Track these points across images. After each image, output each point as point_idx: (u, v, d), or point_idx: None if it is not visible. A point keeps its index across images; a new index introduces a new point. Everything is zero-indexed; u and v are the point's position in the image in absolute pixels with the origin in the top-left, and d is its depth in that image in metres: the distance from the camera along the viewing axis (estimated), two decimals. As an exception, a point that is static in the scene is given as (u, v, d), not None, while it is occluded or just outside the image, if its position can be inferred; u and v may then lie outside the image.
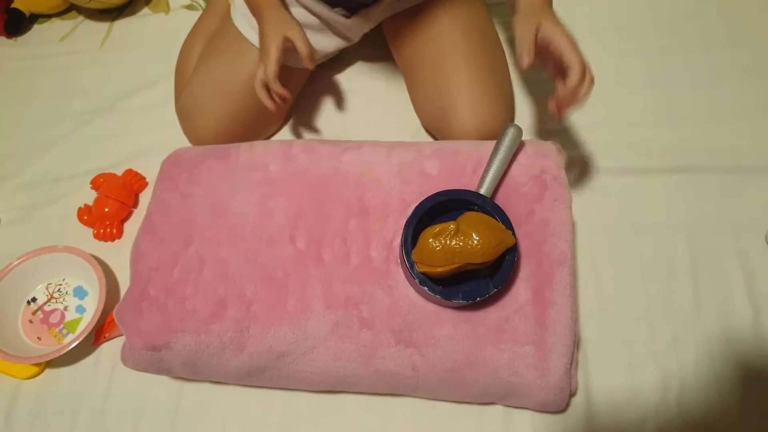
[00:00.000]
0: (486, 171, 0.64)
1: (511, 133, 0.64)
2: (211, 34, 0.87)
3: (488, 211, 0.61)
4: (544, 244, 0.62)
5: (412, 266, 0.59)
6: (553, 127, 0.85)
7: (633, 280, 0.74)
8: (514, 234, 0.59)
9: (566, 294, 0.61)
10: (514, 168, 0.66)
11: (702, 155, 0.80)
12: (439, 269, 0.58)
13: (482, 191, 0.63)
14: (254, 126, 0.85)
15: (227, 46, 0.81)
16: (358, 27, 0.82)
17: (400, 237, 0.61)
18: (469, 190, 0.62)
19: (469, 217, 0.60)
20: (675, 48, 0.89)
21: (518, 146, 0.67)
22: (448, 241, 0.57)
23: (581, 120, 0.85)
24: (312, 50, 0.69)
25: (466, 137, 0.74)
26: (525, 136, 0.82)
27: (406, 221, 0.61)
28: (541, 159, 0.66)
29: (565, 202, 0.64)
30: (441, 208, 0.63)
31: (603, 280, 0.75)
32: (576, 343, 0.62)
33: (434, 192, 0.62)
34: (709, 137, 0.81)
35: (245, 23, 0.79)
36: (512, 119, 0.86)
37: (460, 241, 0.57)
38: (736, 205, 0.77)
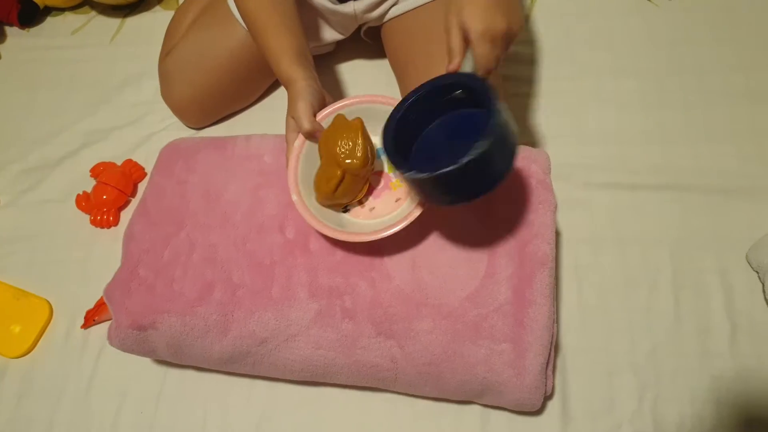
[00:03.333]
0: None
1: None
2: (206, 4, 0.91)
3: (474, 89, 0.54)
4: (528, 245, 0.64)
5: (399, 165, 0.54)
6: (545, 139, 0.87)
7: (615, 292, 0.75)
8: (491, 107, 0.50)
9: (546, 294, 0.62)
10: (502, 172, 0.68)
11: (689, 174, 0.82)
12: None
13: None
14: (227, 100, 0.92)
15: (217, 21, 0.87)
16: (347, 19, 0.86)
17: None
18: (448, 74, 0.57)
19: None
20: (669, 70, 0.91)
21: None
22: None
23: (573, 134, 0.87)
24: (312, 128, 0.62)
25: None
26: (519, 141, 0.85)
27: (387, 121, 0.58)
28: (530, 163, 0.68)
29: (550, 206, 0.66)
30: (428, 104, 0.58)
31: (586, 290, 0.76)
32: (553, 344, 0.62)
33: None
34: (697, 157, 0.83)
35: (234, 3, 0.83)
36: None
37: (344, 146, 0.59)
38: (720, 223, 0.78)
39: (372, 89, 0.95)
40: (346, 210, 0.65)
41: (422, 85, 0.58)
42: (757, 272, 0.74)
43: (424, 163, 0.52)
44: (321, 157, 0.63)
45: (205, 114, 0.91)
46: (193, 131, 0.94)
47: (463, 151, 0.48)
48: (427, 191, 0.55)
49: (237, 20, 0.84)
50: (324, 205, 0.64)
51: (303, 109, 0.62)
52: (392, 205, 0.65)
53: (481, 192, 0.53)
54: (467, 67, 0.57)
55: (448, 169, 0.48)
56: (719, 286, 0.75)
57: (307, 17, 0.86)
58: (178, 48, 0.87)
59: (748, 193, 0.80)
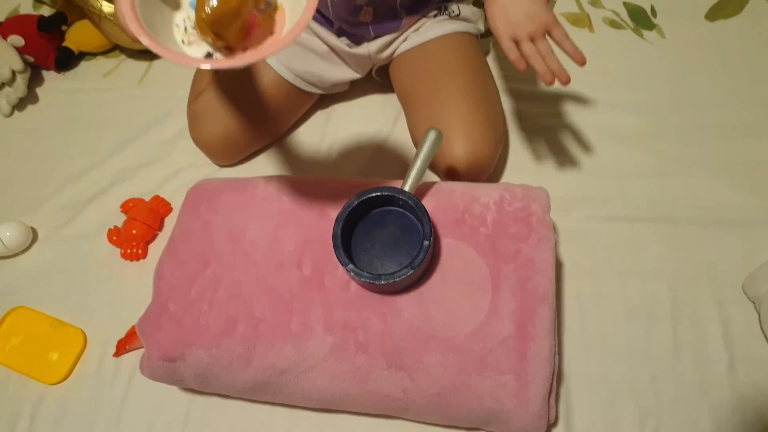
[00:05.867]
0: (410, 170, 0.70)
1: (431, 136, 0.70)
2: None
3: (411, 205, 0.68)
4: (529, 281, 0.68)
5: (341, 258, 0.66)
6: (546, 171, 0.91)
7: (616, 322, 0.79)
8: (428, 232, 0.65)
9: (547, 329, 0.66)
10: (505, 209, 0.72)
11: (686, 207, 0.86)
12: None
13: (406, 188, 0.69)
14: (256, 138, 0.96)
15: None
16: (362, 60, 0.92)
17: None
18: (394, 187, 0.69)
19: None
20: (665, 106, 0.95)
21: (509, 190, 0.73)
22: None
23: (575, 168, 0.91)
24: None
25: (457, 162, 0.82)
26: (521, 175, 0.91)
27: (337, 217, 0.68)
28: (530, 202, 0.72)
29: (549, 243, 0.70)
30: (370, 203, 0.70)
31: (588, 320, 0.80)
32: (554, 375, 0.66)
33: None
34: (693, 191, 0.87)
35: None
36: (504, 145, 0.93)
37: None
38: (716, 255, 0.82)
39: (382, 122, 1.00)
40: (209, 56, 0.57)
41: (376, 189, 0.69)
42: (753, 302, 0.78)
43: (367, 250, 0.70)
44: None
45: (235, 152, 0.96)
46: (215, 168, 0.99)
47: (400, 253, 0.69)
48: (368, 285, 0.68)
49: (263, 61, 0.90)
50: (212, 29, 0.55)
51: None
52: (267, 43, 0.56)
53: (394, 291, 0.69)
54: (426, 147, 0.70)
55: (376, 283, 0.65)
56: (716, 317, 0.78)
57: (329, 59, 0.92)
58: (207, 91, 0.93)
59: (743, 225, 0.83)
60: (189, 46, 0.57)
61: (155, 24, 0.55)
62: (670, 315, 0.78)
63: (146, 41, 0.51)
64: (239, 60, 0.53)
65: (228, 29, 0.55)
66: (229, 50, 0.57)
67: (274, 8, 0.57)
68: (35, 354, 0.85)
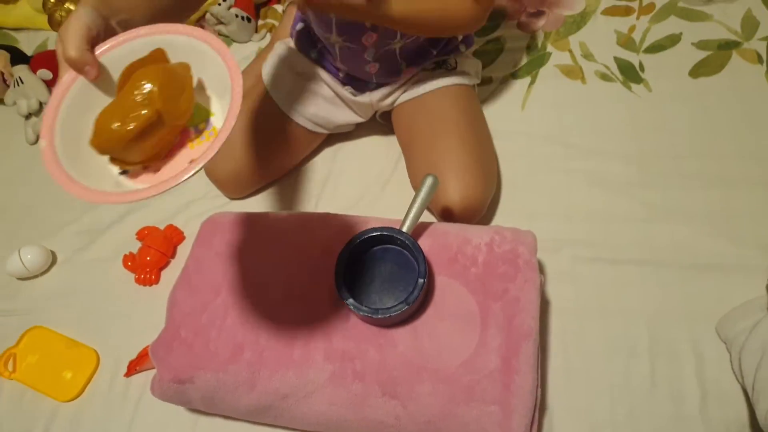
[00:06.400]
0: (408, 212, 0.76)
1: (428, 182, 0.77)
2: (245, 91, 1.03)
3: (408, 245, 0.73)
4: (515, 319, 0.74)
5: (342, 292, 0.71)
6: (536, 215, 0.97)
7: (597, 357, 0.84)
8: (423, 270, 0.70)
9: (530, 363, 0.72)
10: (495, 251, 0.78)
11: (666, 251, 0.91)
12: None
13: (404, 229, 0.75)
14: (266, 172, 1.03)
15: (258, 102, 0.99)
16: (365, 106, 0.99)
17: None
18: (393, 228, 0.74)
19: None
20: (650, 155, 1.00)
21: (499, 232, 0.79)
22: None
23: (562, 212, 0.97)
24: (79, 57, 0.51)
25: (451, 205, 0.88)
26: (513, 217, 0.97)
27: (339, 254, 0.73)
28: (518, 245, 0.78)
29: (534, 284, 0.76)
30: (371, 242, 0.75)
31: (572, 355, 0.85)
32: (536, 407, 0.71)
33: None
34: (674, 236, 0.92)
35: (272, 87, 0.98)
36: (496, 187, 0.98)
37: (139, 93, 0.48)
38: (692, 297, 0.87)
39: (385, 162, 1.07)
40: (124, 172, 0.52)
41: (376, 228, 0.75)
42: (725, 343, 0.83)
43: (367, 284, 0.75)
44: (119, 91, 0.51)
45: (245, 186, 1.03)
46: (226, 200, 1.05)
47: (398, 288, 0.74)
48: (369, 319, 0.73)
49: (275, 102, 0.97)
50: (102, 153, 0.50)
51: (74, 30, 0.51)
52: (183, 167, 0.47)
53: (391, 325, 0.74)
54: (423, 192, 0.76)
55: (373, 316, 0.70)
56: (691, 355, 0.83)
57: (335, 104, 1.00)
58: None
59: (718, 270, 0.88)
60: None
61: (84, 134, 0.51)
62: (648, 352, 0.84)
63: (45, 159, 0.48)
64: (135, 195, 0.46)
65: (124, 155, 0.50)
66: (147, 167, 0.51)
67: (211, 130, 0.54)
68: (50, 372, 0.90)
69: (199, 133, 0.54)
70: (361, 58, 0.88)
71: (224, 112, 0.49)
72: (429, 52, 0.94)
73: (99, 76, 0.53)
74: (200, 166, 0.45)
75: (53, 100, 0.51)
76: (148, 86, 0.49)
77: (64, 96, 0.51)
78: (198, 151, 0.52)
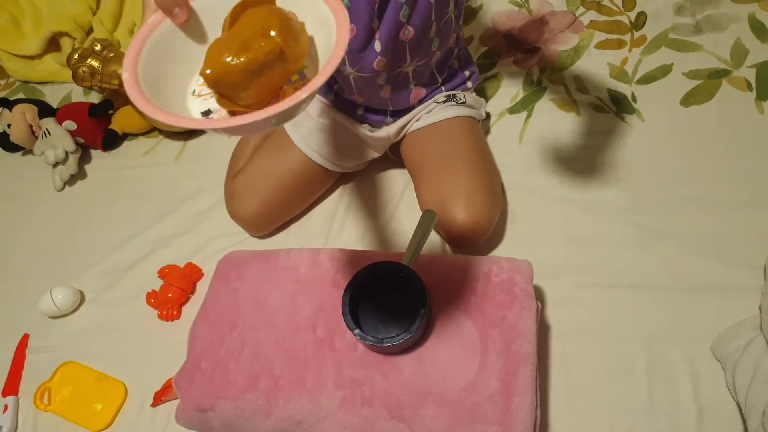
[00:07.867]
0: (409, 246, 0.80)
1: (426, 217, 0.82)
2: (267, 134, 1.11)
3: (410, 278, 0.77)
4: (513, 344, 0.78)
5: (349, 323, 0.75)
6: (536, 243, 1.02)
7: (597, 378, 0.88)
8: (424, 301, 0.75)
9: (528, 386, 0.76)
10: (492, 280, 0.83)
11: (661, 275, 0.94)
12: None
13: (406, 262, 0.79)
14: (287, 210, 1.10)
15: (279, 146, 1.05)
16: (381, 141, 1.05)
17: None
18: (395, 262, 0.79)
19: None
20: (643, 182, 1.04)
21: (496, 263, 0.84)
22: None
23: (561, 239, 1.01)
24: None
25: (460, 226, 0.93)
26: (513, 245, 1.02)
27: (345, 287, 0.78)
28: (514, 274, 0.83)
29: (531, 311, 0.80)
30: (374, 276, 0.79)
31: (571, 376, 0.89)
32: (536, 427, 0.75)
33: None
34: (668, 260, 0.96)
35: (293, 130, 1.04)
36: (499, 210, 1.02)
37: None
38: (687, 318, 0.90)
39: (395, 193, 1.12)
40: (207, 113, 0.50)
41: (377, 264, 0.80)
42: (720, 362, 0.86)
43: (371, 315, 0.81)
44: (230, 27, 0.47)
45: (267, 225, 1.09)
46: (242, 237, 1.11)
47: (403, 319, 0.77)
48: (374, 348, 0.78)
49: (295, 145, 1.03)
50: (215, 85, 0.46)
51: None
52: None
53: (396, 352, 0.79)
54: (422, 227, 0.82)
55: (379, 345, 0.74)
56: (687, 375, 0.86)
57: (354, 143, 1.06)
58: (245, 170, 1.06)
59: (712, 291, 0.92)
60: (197, 98, 0.50)
61: (167, 73, 0.49)
62: (645, 372, 0.87)
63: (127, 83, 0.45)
64: (226, 122, 0.43)
65: (236, 92, 0.46)
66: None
67: (305, 82, 0.49)
68: (82, 404, 0.96)
69: (292, 84, 0.49)
70: (375, 84, 0.94)
71: (315, 67, 0.47)
72: (437, 75, 1.00)
73: (188, 21, 0.48)
74: (318, 84, 0.41)
75: (137, 39, 0.47)
76: (265, 23, 0.45)
77: (148, 36, 0.47)
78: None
